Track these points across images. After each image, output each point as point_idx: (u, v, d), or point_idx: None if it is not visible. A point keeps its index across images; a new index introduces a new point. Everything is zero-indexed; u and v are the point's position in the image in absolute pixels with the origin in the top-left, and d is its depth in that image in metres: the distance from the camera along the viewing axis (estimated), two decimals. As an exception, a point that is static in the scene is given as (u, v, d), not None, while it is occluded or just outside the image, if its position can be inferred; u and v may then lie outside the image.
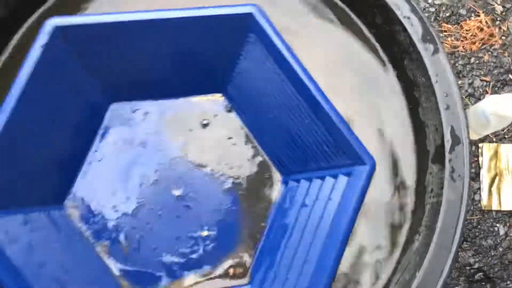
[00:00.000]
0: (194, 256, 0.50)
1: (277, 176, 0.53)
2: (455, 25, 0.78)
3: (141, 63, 0.49)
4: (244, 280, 0.50)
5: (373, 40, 0.57)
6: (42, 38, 0.44)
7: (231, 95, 0.53)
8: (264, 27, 0.48)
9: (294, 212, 0.50)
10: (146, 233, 0.50)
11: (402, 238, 0.52)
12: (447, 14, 0.78)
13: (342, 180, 0.48)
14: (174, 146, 0.52)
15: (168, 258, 0.50)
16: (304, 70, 0.48)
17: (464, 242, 0.78)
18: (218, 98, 0.54)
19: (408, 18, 0.53)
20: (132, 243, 0.50)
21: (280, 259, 0.49)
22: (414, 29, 0.53)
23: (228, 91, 0.53)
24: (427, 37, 0.52)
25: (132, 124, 0.52)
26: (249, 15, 0.48)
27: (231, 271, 0.50)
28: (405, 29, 0.53)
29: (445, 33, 0.74)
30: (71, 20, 0.45)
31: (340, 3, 0.58)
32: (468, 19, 0.78)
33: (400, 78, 0.56)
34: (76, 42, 0.46)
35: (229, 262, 0.50)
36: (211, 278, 0.50)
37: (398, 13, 0.53)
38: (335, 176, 0.48)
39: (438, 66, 0.52)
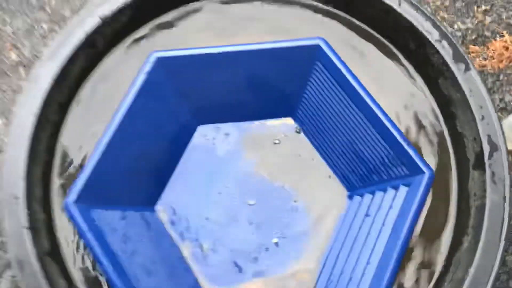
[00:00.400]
0: (265, 260, 0.55)
1: (342, 191, 0.58)
2: (482, 47, 0.83)
3: (223, 90, 0.58)
4: (310, 285, 0.54)
5: (408, 64, 0.63)
6: (147, 66, 0.54)
7: (300, 118, 0.60)
8: (330, 56, 0.55)
9: (358, 222, 0.54)
10: (223, 237, 0.56)
11: (450, 239, 0.56)
12: (473, 37, 0.83)
13: (403, 190, 0.52)
14: (249, 162, 0.59)
15: (241, 261, 0.55)
16: (367, 93, 0.53)
17: (511, 247, 0.76)
18: (288, 121, 0.61)
19: (439, 41, 0.59)
20: (211, 245, 0.56)
21: (344, 264, 0.52)
22: (446, 51, 0.58)
23: (298, 115, 0.60)
24: (458, 57, 0.58)
25: (215, 143, 0.60)
26: (317, 47, 0.55)
27: (298, 276, 0.55)
28: (437, 52, 0.58)
29: (473, 54, 0.79)
30: (170, 53, 0.55)
31: (375, 34, 0.64)
32: (493, 40, 0.84)
33: (436, 97, 0.62)
34: (173, 70, 0.55)
35: (296, 268, 0.55)
36: (280, 281, 0.54)
37: (429, 37, 0.59)
38: (395, 187, 0.52)
39: (470, 82, 0.57)
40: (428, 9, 0.87)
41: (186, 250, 0.56)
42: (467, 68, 0.58)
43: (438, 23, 0.60)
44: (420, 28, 0.60)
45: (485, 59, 0.80)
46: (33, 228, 0.54)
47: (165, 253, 0.54)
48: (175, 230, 0.57)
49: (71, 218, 0.49)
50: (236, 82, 0.58)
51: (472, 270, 0.50)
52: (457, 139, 0.60)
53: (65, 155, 0.60)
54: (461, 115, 0.58)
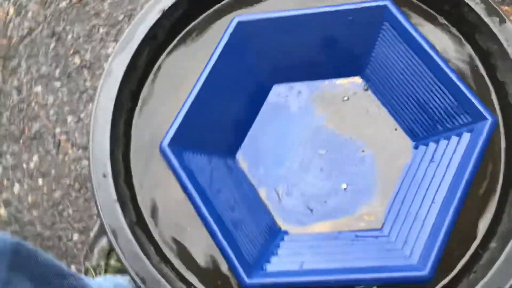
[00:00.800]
0: (334, 203, 0.61)
1: (408, 142, 0.62)
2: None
3: (298, 51, 0.64)
4: (377, 225, 0.59)
5: (445, 23, 0.66)
6: (230, 29, 0.61)
7: (368, 76, 0.64)
8: (397, 15, 0.59)
9: (423, 168, 0.58)
10: (297, 182, 0.62)
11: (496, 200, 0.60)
12: None
13: (466, 136, 0.55)
14: (320, 117, 0.65)
15: (313, 204, 0.61)
16: (433, 48, 0.57)
17: None
18: (356, 80, 0.66)
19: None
20: (285, 190, 0.62)
21: (410, 205, 0.56)
22: (479, 7, 0.62)
23: (365, 73, 0.65)
24: (491, 11, 0.61)
25: (288, 100, 0.66)
26: (384, 7, 0.60)
27: (365, 217, 0.59)
28: (471, 9, 0.62)
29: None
30: (250, 16, 0.61)
31: (415, 1, 0.68)
32: None
33: (475, 51, 0.65)
34: (252, 33, 0.62)
35: (364, 210, 0.60)
36: (349, 222, 0.59)
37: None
38: (459, 135, 0.56)
39: (506, 33, 0.60)
40: None
41: (263, 193, 0.62)
42: (502, 21, 0.61)
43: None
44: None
45: None
46: (121, 201, 0.61)
47: (245, 194, 0.61)
48: (253, 176, 0.63)
49: (166, 158, 0.57)
50: (309, 43, 0.63)
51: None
52: (500, 88, 0.62)
53: (139, 138, 0.67)
54: (501, 65, 0.62)
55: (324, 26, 0.62)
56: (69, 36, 1.06)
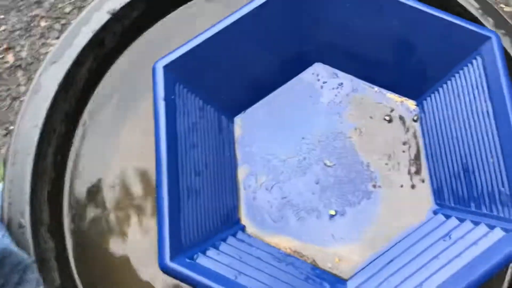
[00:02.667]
0: (311, 225, 0.50)
1: (428, 203, 0.50)
2: None
3: (364, 40, 0.51)
4: (343, 275, 0.48)
5: None
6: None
7: (425, 106, 0.52)
8: (496, 55, 0.46)
9: (430, 242, 0.46)
10: (284, 182, 0.51)
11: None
12: None
13: (498, 233, 0.43)
14: (348, 123, 0.53)
15: (288, 213, 0.50)
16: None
17: None
18: (410, 104, 0.53)
19: (498, 28, 0.53)
20: (266, 182, 0.51)
21: (391, 276, 0.46)
22: (506, 39, 0.53)
23: (424, 102, 0.52)
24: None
25: (323, 87, 0.54)
26: (487, 38, 0.47)
27: (336, 260, 0.48)
28: None
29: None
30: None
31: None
32: None
33: None
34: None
35: (339, 251, 0.48)
36: (316, 254, 0.49)
37: (487, 24, 0.53)
38: (491, 227, 0.44)
39: None
40: None
41: (241, 174, 0.51)
42: None
43: (495, 7, 0.53)
44: (475, 13, 0.53)
45: None
46: (41, 259, 0.48)
47: (220, 164, 0.50)
48: (241, 149, 0.52)
49: (153, 80, 0.46)
50: (382, 37, 0.51)
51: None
52: None
53: (76, 173, 0.53)
54: None
55: (409, 25, 0.49)
56: (2, 28, 0.80)
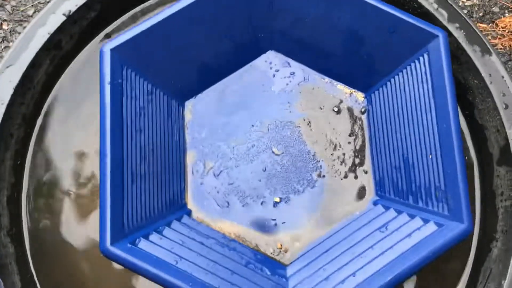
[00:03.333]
0: (256, 212, 0.51)
1: (369, 193, 0.52)
2: (490, 24, 0.73)
3: (317, 30, 0.52)
4: (284, 261, 0.50)
5: None
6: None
7: (373, 99, 0.53)
8: (442, 53, 0.47)
9: (367, 232, 0.48)
10: (232, 168, 0.52)
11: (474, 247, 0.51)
12: (480, 14, 0.74)
13: (431, 227, 0.45)
14: (297, 113, 0.53)
15: (234, 199, 0.51)
16: (456, 111, 0.46)
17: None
18: (359, 96, 0.54)
19: (452, 22, 0.52)
20: (214, 168, 0.52)
21: (328, 263, 0.47)
22: (459, 33, 0.52)
23: (372, 95, 0.53)
24: (473, 39, 0.51)
25: (275, 75, 0.54)
26: (435, 37, 0.48)
27: (278, 245, 0.50)
28: (450, 34, 0.52)
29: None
30: None
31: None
32: (502, 16, 0.73)
33: None
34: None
35: (281, 237, 0.50)
36: (259, 239, 0.50)
37: (441, 18, 0.53)
38: (425, 221, 0.46)
39: (490, 67, 0.50)
40: None
41: (190, 158, 0.52)
42: (485, 51, 0.51)
43: (450, 2, 0.53)
44: (429, 8, 0.53)
45: (494, 37, 0.72)
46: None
47: (168, 147, 0.50)
48: (190, 134, 0.53)
49: (100, 60, 0.45)
50: (334, 28, 0.51)
51: (506, 282, 0.45)
52: (477, 131, 0.54)
53: (35, 177, 0.52)
54: (480, 103, 0.52)
55: (364, 18, 0.49)
56: None
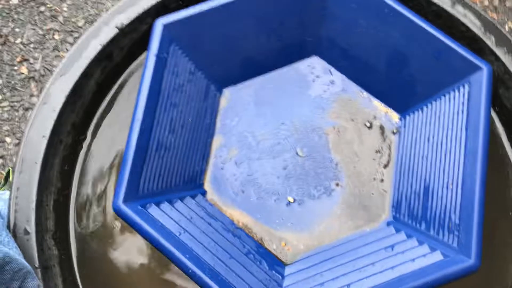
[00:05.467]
0: (268, 206, 0.51)
1: (385, 213, 0.51)
2: None
3: (372, 50, 0.52)
4: (285, 259, 0.50)
5: None
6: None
7: (407, 122, 0.53)
8: (483, 87, 0.47)
9: (372, 249, 0.48)
10: (253, 160, 0.53)
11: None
12: None
13: (436, 256, 0.44)
14: (329, 121, 0.54)
15: (249, 190, 0.52)
16: (485, 147, 0.45)
17: None
18: (394, 117, 0.54)
19: (500, 46, 0.51)
20: (236, 157, 0.53)
21: (320, 274, 0.47)
22: (507, 58, 0.51)
23: (406, 117, 0.53)
24: None
25: (315, 80, 0.55)
26: (480, 69, 0.47)
27: (282, 244, 0.50)
28: (498, 58, 0.51)
29: None
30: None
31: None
32: None
33: (494, 109, 0.55)
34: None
35: (288, 237, 0.50)
36: (265, 234, 0.51)
37: (488, 42, 0.52)
38: (432, 249, 0.45)
39: None
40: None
41: (216, 142, 0.54)
42: None
43: (498, 26, 0.52)
44: (477, 32, 0.52)
45: None
46: (44, 267, 0.49)
47: (199, 127, 0.52)
48: (222, 120, 0.54)
49: (150, 37, 0.48)
50: (380, 44, 0.51)
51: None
52: None
53: (82, 183, 0.54)
54: None
55: (411, 39, 0.49)
56: (18, 41, 0.82)
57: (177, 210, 0.48)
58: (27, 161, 0.50)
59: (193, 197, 0.51)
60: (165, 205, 0.47)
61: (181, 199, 0.49)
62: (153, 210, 0.46)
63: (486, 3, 0.72)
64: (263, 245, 0.50)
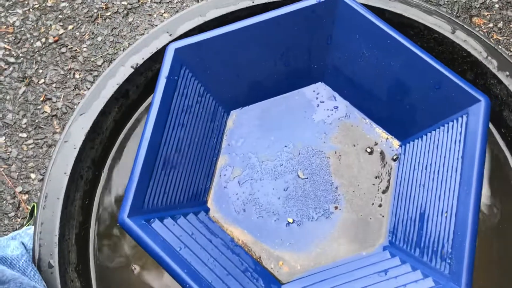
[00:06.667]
0: (268, 226, 0.53)
1: (381, 238, 0.52)
2: None
3: (381, 82, 0.54)
4: (282, 278, 0.51)
5: None
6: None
7: (407, 149, 0.54)
8: (480, 119, 0.48)
9: (367, 272, 0.49)
10: (256, 180, 0.55)
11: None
12: None
13: (428, 283, 0.45)
14: (331, 145, 0.56)
15: (250, 209, 0.54)
16: (480, 177, 0.46)
17: None
18: (395, 143, 0.55)
19: (502, 70, 0.53)
20: (240, 176, 0.55)
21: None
22: (510, 81, 0.53)
23: (407, 145, 0.54)
24: None
25: (319, 105, 0.57)
26: (478, 101, 0.48)
27: (280, 263, 0.52)
28: (500, 82, 0.52)
29: None
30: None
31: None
32: None
33: (500, 130, 0.57)
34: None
35: (286, 256, 0.52)
36: (264, 252, 0.52)
37: (490, 67, 0.53)
38: (425, 276, 0.46)
39: None
40: (481, 32, 0.73)
41: (221, 161, 0.56)
42: None
43: (499, 50, 0.53)
44: (479, 57, 0.54)
45: None
46: None
47: (205, 147, 0.55)
48: (227, 140, 0.57)
49: (163, 60, 0.51)
50: (383, 73, 0.53)
51: None
52: None
53: (102, 217, 0.56)
54: None
55: (413, 70, 0.51)
56: (41, 81, 0.86)
57: (179, 225, 0.50)
58: (50, 197, 0.53)
59: (196, 213, 0.53)
60: (168, 221, 0.50)
61: (184, 215, 0.52)
62: (156, 225, 0.48)
63: (491, 25, 0.73)
64: (261, 264, 0.52)
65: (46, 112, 0.83)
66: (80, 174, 0.55)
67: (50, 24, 0.83)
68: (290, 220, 0.53)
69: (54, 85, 0.84)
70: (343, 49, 0.54)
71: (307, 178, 0.55)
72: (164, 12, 0.75)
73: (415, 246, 0.49)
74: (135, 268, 0.54)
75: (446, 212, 0.47)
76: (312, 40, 0.54)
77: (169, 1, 0.75)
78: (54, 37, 0.83)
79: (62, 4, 0.84)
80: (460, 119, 0.50)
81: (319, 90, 0.58)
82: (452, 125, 0.50)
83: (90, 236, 0.56)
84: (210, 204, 0.54)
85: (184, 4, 0.76)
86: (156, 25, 0.74)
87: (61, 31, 0.83)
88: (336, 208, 0.54)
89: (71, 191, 0.54)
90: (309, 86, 0.58)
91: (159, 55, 0.57)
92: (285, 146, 0.56)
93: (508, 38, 0.73)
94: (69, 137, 0.54)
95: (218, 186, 0.55)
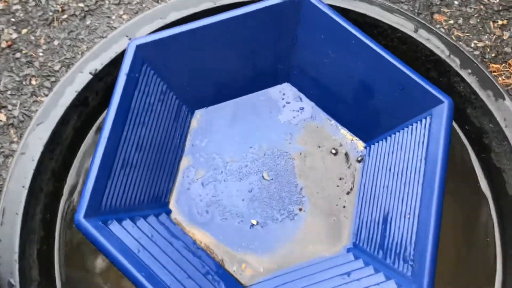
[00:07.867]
0: (232, 228, 0.52)
1: (345, 240, 0.52)
2: (503, 64, 0.74)
3: (344, 84, 0.54)
4: (245, 281, 0.50)
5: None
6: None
7: (371, 151, 0.54)
8: (443, 120, 0.48)
9: (329, 275, 0.48)
10: (220, 181, 0.54)
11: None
12: (493, 55, 0.75)
13: (390, 285, 0.44)
14: (296, 146, 0.55)
15: (214, 211, 0.53)
16: (442, 179, 0.46)
17: None
18: (359, 145, 0.55)
19: (464, 68, 0.54)
20: (203, 178, 0.54)
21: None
22: (472, 78, 0.53)
23: (371, 146, 0.54)
24: (486, 84, 0.53)
25: (285, 106, 0.57)
26: (441, 102, 0.48)
27: (243, 266, 0.51)
28: (463, 79, 0.53)
29: (494, 73, 0.71)
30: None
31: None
32: None
33: (464, 127, 0.57)
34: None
35: (249, 259, 0.51)
36: (225, 255, 0.51)
37: (453, 65, 0.54)
38: (387, 278, 0.45)
39: (504, 111, 0.52)
40: (442, 29, 0.75)
41: (184, 162, 0.54)
42: (498, 95, 0.52)
43: (461, 48, 0.54)
44: (441, 55, 0.55)
45: (508, 77, 0.73)
46: None
47: (167, 147, 0.53)
48: (191, 141, 0.55)
49: (124, 57, 0.49)
50: (347, 74, 0.53)
51: None
52: (495, 174, 0.54)
53: (66, 231, 0.54)
54: (496, 147, 0.53)
55: (376, 70, 0.51)
56: None
57: (138, 227, 0.48)
58: (8, 212, 0.50)
59: (157, 215, 0.51)
60: (126, 222, 0.48)
61: (145, 217, 0.50)
62: (114, 226, 0.47)
63: (452, 21, 0.74)
64: (223, 266, 0.51)
65: (1, 120, 0.79)
66: (40, 187, 0.52)
67: (2, 28, 0.80)
68: (254, 222, 0.52)
69: (9, 92, 0.80)
70: (308, 50, 0.54)
71: (272, 179, 0.54)
72: (123, 14, 0.74)
73: (378, 248, 0.49)
74: (105, 283, 0.52)
75: (409, 214, 0.47)
76: (277, 40, 0.54)
77: (128, 2, 0.74)
78: (7, 41, 0.80)
79: (15, 7, 0.81)
80: (423, 120, 0.50)
81: (285, 91, 0.57)
82: (416, 127, 0.50)
83: (55, 250, 0.53)
84: (172, 205, 0.53)
85: (144, 5, 0.74)
86: (115, 28, 0.73)
87: (15, 35, 0.80)
88: (300, 209, 0.53)
89: (31, 205, 0.51)
90: (275, 87, 0.57)
91: (118, 60, 0.55)
92: (250, 147, 0.55)
93: (468, 34, 0.74)
94: (26, 148, 0.52)
95: (180, 188, 0.54)
